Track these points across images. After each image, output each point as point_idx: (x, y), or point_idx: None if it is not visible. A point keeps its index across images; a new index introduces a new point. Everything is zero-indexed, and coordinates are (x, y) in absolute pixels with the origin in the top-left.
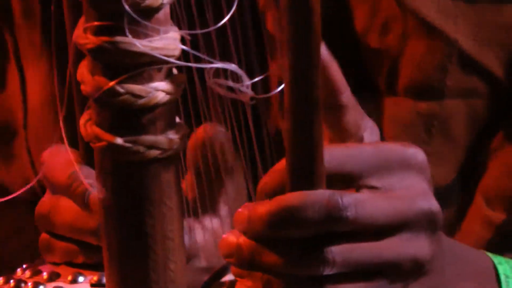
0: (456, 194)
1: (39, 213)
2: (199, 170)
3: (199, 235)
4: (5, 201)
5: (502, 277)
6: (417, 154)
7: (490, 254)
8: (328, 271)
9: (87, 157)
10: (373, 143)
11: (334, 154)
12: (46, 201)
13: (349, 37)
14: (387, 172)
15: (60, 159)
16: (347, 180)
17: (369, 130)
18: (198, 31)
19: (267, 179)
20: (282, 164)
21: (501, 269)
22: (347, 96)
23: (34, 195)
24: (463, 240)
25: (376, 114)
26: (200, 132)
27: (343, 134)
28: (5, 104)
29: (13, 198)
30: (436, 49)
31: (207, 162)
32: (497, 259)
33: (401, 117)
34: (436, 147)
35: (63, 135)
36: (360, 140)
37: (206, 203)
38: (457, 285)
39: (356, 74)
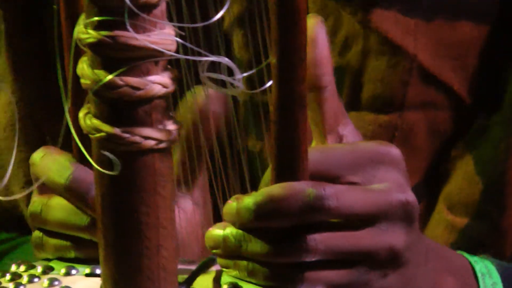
0: (419, 200)
1: (31, 212)
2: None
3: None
4: None
5: (479, 275)
6: (391, 150)
7: (465, 254)
8: (310, 258)
9: (80, 157)
10: (350, 143)
11: (313, 156)
12: (38, 200)
13: None
14: (363, 169)
15: (53, 161)
16: (328, 179)
17: (350, 130)
18: (189, 25)
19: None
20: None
21: (477, 268)
22: (329, 79)
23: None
24: None
25: None
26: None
27: (322, 128)
28: None
29: None
30: (398, 64)
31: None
32: (472, 258)
33: (364, 130)
34: None
35: (70, 125)
36: (340, 139)
37: (187, 181)
38: (438, 279)
39: None
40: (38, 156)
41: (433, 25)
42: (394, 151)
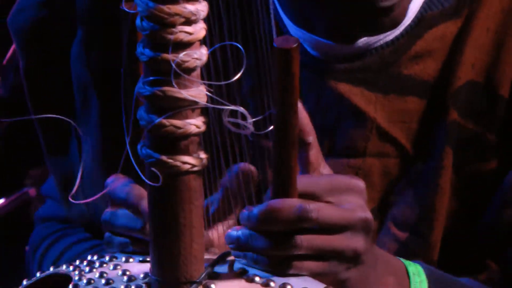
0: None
1: (103, 219)
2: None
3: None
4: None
5: (411, 274)
6: (358, 182)
7: (401, 259)
8: (297, 252)
9: (137, 180)
10: (329, 174)
11: (301, 181)
12: (108, 211)
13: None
14: (338, 193)
15: (119, 182)
16: (312, 198)
17: (327, 170)
18: (216, 83)
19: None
20: None
21: (410, 269)
22: (312, 137)
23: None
24: None
25: None
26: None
27: (308, 168)
28: (68, 163)
29: (74, 224)
30: (362, 124)
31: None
32: (407, 262)
33: (338, 169)
34: None
35: (129, 152)
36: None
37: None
38: (383, 277)
39: None
40: (110, 180)
41: (388, 98)
42: (361, 183)
